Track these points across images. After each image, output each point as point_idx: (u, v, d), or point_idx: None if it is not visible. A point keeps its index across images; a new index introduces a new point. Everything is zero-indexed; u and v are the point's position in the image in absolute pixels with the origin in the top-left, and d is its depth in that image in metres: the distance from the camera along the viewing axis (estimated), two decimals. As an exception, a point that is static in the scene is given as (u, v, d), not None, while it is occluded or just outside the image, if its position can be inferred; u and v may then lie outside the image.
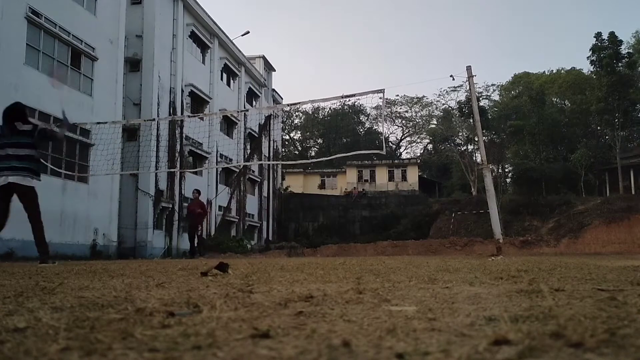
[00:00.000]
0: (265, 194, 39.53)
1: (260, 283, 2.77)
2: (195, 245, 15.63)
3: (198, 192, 16.43)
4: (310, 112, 63.35)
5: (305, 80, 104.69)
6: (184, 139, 26.84)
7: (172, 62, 26.20)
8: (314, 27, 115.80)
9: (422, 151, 63.84)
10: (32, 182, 6.67)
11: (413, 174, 47.95)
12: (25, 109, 6.96)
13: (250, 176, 36.46)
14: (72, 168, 18.15)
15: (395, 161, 51.07)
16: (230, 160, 32.67)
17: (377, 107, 56.57)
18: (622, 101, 36.76)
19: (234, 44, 33.94)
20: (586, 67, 45.03)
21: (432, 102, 57.14)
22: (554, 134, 44.22)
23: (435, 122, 55.75)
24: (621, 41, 38.60)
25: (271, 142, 40.97)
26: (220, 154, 31.22)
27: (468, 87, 16.12)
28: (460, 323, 1.32)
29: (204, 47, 30.29)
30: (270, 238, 38.87)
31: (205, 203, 16.40)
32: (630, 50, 42.74)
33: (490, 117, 41.53)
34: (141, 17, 24.31)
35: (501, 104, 49.90)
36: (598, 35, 38.10)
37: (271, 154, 40.88)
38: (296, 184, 48.88)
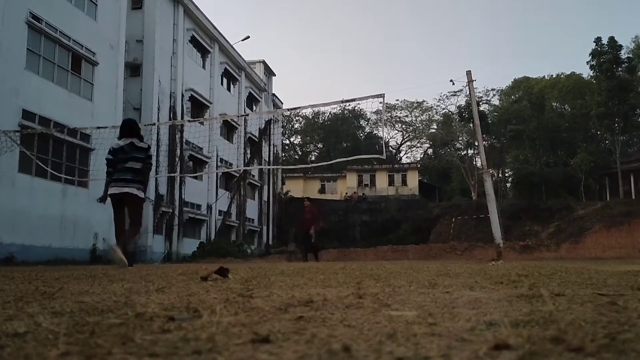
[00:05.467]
0: (265, 198, 39.53)
1: (260, 288, 2.76)
2: (309, 249, 15.70)
3: (308, 199, 17.16)
4: (311, 117, 63.48)
5: (305, 85, 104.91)
6: (184, 144, 26.86)
7: (173, 66, 26.25)
8: (314, 32, 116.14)
9: (422, 156, 63.89)
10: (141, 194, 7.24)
11: (413, 179, 47.96)
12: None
13: (251, 181, 36.47)
14: (72, 173, 18.16)
15: (396, 166, 51.09)
16: (231, 164, 32.69)
17: (377, 112, 56.67)
18: (622, 106, 36.81)
19: (234, 49, 34.01)
20: (586, 72, 45.11)
21: (432, 107, 57.21)
22: (554, 139, 44.25)
23: (435, 127, 55.78)
24: (621, 46, 38.69)
25: (271, 146, 41.01)
26: (220, 158, 31.23)
27: (468, 92, 16.14)
28: (461, 328, 1.31)
29: (204, 52, 30.35)
30: (270, 242, 38.84)
31: (317, 210, 16.43)
32: (630, 55, 42.78)
33: (490, 121, 41.55)
34: (142, 22, 24.39)
35: (501, 108, 49.92)
36: (598, 40, 38.18)
37: (271, 158, 40.91)
38: (296, 188, 48.88)
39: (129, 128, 7.26)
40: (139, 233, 7.58)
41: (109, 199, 7.20)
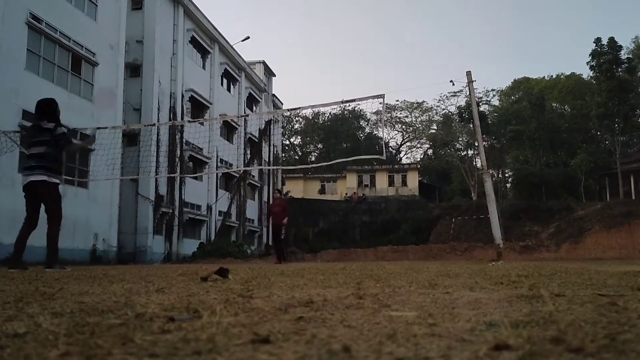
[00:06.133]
0: (265, 199, 39.52)
1: (260, 288, 2.76)
2: (281, 249, 14.86)
3: (278, 191, 16.10)
4: (311, 117, 63.52)
5: (305, 86, 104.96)
6: (184, 144, 26.86)
7: (173, 67, 26.26)
8: (314, 32, 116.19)
9: (422, 156, 63.91)
10: (52, 180, 6.48)
11: (413, 179, 47.98)
12: (57, 106, 6.68)
13: (250, 181, 36.46)
14: (72, 173, 18.16)
15: (396, 166, 51.12)
16: (231, 165, 32.68)
17: (377, 112, 56.69)
18: (622, 106, 36.82)
19: (234, 49, 34.02)
20: (586, 73, 45.18)
21: (432, 107, 57.22)
22: (554, 139, 44.26)
23: (435, 127, 55.79)
24: (621, 46, 38.72)
25: (271, 147, 41.01)
26: (220, 159, 31.23)
27: (468, 92, 16.14)
28: (461, 328, 1.31)
29: (204, 53, 30.36)
30: (270, 243, 38.81)
31: (286, 204, 15.20)
32: (630, 56, 42.83)
33: (490, 122, 41.57)
34: (142, 22, 24.39)
35: (501, 109, 49.96)
36: (598, 40, 38.19)
37: (271, 159, 40.91)
38: (296, 189, 48.90)
39: (38, 107, 6.62)
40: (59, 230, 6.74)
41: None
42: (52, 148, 6.44)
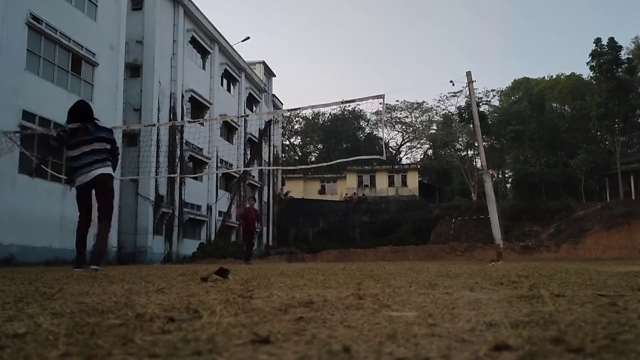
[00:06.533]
0: (265, 199, 39.53)
1: (260, 288, 2.76)
2: (251, 250, 16.29)
3: (254, 199, 17.02)
4: (311, 118, 63.51)
5: (305, 86, 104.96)
6: (184, 145, 26.87)
7: (173, 67, 26.26)
8: (314, 32, 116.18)
9: (422, 156, 63.89)
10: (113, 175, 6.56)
11: (413, 179, 47.95)
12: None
13: (251, 181, 36.46)
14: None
15: (396, 166, 51.08)
16: (231, 165, 32.69)
17: (377, 113, 56.59)
18: (622, 106, 36.81)
19: (234, 50, 34.03)
20: (586, 73, 45.20)
21: (432, 108, 57.23)
22: (554, 140, 44.25)
23: (435, 128, 55.79)
24: (621, 47, 38.69)
25: (271, 147, 41.01)
26: (220, 159, 31.23)
27: (468, 93, 16.15)
28: (461, 328, 1.31)
29: (204, 53, 30.36)
30: (270, 243, 38.83)
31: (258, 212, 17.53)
32: (630, 56, 42.83)
33: (490, 122, 41.57)
34: (142, 23, 24.39)
35: (501, 109, 49.95)
36: (598, 40, 38.18)
37: (271, 159, 40.91)
38: (296, 189, 48.88)
39: (81, 110, 6.52)
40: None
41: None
42: (111, 146, 6.50)
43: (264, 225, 38.69)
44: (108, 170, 6.38)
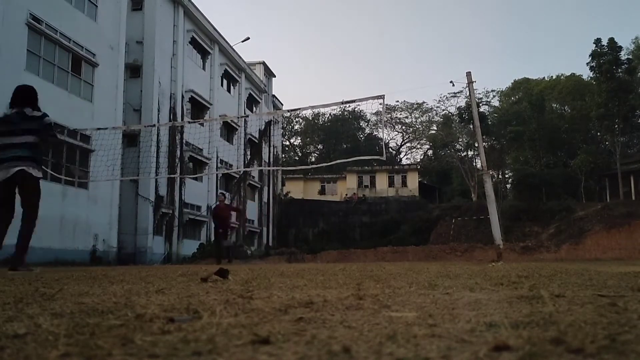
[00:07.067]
0: (265, 199, 39.53)
1: (260, 289, 2.76)
2: (223, 249, 15.93)
3: (223, 195, 16.79)
4: (311, 118, 63.52)
5: (305, 86, 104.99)
6: (184, 145, 26.88)
7: (173, 68, 26.27)
8: (314, 33, 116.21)
9: (422, 157, 63.94)
10: (38, 174, 5.98)
11: (413, 180, 47.95)
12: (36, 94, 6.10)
13: (251, 182, 36.47)
14: (72, 174, 18.16)
15: (396, 167, 51.09)
16: (231, 166, 32.70)
17: (377, 113, 56.58)
18: (622, 107, 36.82)
19: (234, 50, 34.04)
20: (586, 73, 45.20)
21: (432, 108, 57.27)
22: (554, 140, 44.27)
23: (435, 128, 55.81)
24: (620, 47, 38.72)
25: (271, 147, 41.02)
26: (220, 159, 31.24)
27: (468, 93, 16.15)
28: (461, 329, 1.31)
29: (204, 53, 30.37)
30: (270, 244, 38.84)
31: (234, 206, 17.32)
32: (630, 56, 42.83)
33: (490, 123, 41.58)
34: (142, 23, 24.41)
35: (501, 109, 49.97)
36: (597, 41, 38.20)
37: (271, 159, 40.92)
38: (296, 189, 48.88)
39: (19, 94, 5.93)
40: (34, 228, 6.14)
41: None
42: (38, 138, 5.91)
43: (263, 225, 38.71)
44: (30, 168, 5.84)
